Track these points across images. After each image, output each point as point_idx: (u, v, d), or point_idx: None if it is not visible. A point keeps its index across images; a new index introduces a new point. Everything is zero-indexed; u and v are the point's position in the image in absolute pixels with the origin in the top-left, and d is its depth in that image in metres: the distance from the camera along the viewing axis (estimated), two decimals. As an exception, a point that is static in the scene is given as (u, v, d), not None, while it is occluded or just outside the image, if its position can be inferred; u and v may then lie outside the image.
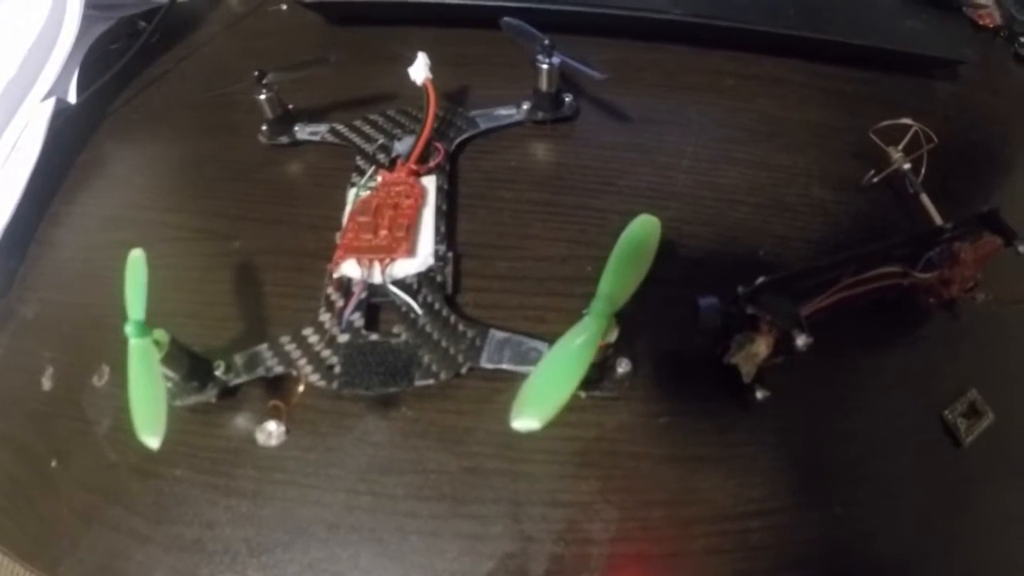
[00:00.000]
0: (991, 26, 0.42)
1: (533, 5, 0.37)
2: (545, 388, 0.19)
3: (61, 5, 0.38)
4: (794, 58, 0.39)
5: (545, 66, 0.32)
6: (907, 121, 0.32)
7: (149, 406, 0.21)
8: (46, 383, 0.28)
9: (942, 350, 0.28)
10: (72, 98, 0.38)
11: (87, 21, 0.39)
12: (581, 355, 0.20)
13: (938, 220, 0.30)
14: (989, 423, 0.26)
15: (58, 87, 0.38)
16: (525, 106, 0.34)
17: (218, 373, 0.26)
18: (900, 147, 0.32)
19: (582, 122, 0.35)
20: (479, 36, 0.39)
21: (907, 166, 0.32)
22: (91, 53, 0.41)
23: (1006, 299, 0.28)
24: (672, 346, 0.27)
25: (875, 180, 0.32)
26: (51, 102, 0.37)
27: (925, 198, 0.31)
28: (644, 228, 0.23)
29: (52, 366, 0.29)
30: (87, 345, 0.29)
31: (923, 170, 0.31)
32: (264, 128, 0.35)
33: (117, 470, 0.26)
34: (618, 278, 0.21)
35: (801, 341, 0.22)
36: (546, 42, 0.31)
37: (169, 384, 0.24)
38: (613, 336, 0.22)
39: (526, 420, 0.19)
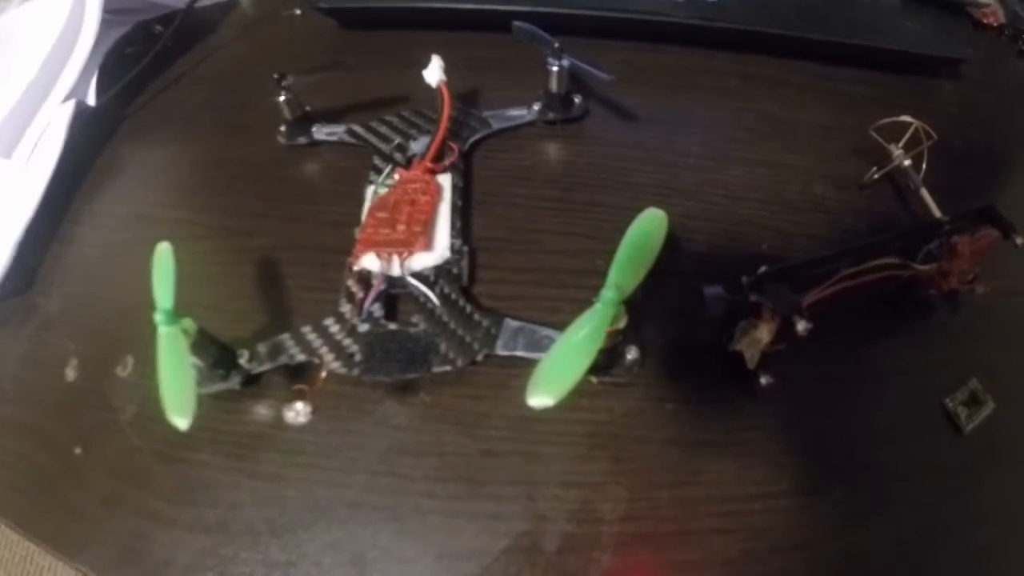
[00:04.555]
0: (995, 24, 0.43)
1: (542, 9, 0.38)
2: (558, 368, 0.20)
3: (80, 10, 0.39)
4: (796, 59, 0.39)
5: (555, 68, 0.33)
6: (907, 119, 0.32)
7: (178, 389, 0.22)
8: (70, 374, 0.29)
9: (943, 340, 0.29)
10: (92, 100, 0.39)
11: (105, 25, 0.40)
12: (592, 338, 0.21)
13: (938, 215, 0.30)
14: (989, 412, 0.27)
15: (78, 90, 0.39)
16: (536, 107, 0.35)
17: (242, 361, 0.26)
18: (900, 144, 0.32)
19: (591, 122, 0.36)
20: (488, 40, 0.39)
21: (907, 163, 0.32)
22: (109, 57, 0.41)
23: (1005, 291, 0.28)
24: (679, 334, 0.28)
25: (876, 177, 0.33)
26: (71, 104, 0.37)
27: (925, 194, 0.31)
28: (652, 220, 0.24)
29: (76, 357, 0.29)
30: (111, 336, 0.29)
31: (923, 167, 0.32)
32: (282, 129, 0.35)
33: (141, 456, 0.26)
34: (627, 267, 0.22)
35: (801, 326, 0.23)
36: (556, 45, 0.32)
37: (194, 372, 0.25)
38: (622, 323, 0.23)
39: (541, 397, 0.20)
